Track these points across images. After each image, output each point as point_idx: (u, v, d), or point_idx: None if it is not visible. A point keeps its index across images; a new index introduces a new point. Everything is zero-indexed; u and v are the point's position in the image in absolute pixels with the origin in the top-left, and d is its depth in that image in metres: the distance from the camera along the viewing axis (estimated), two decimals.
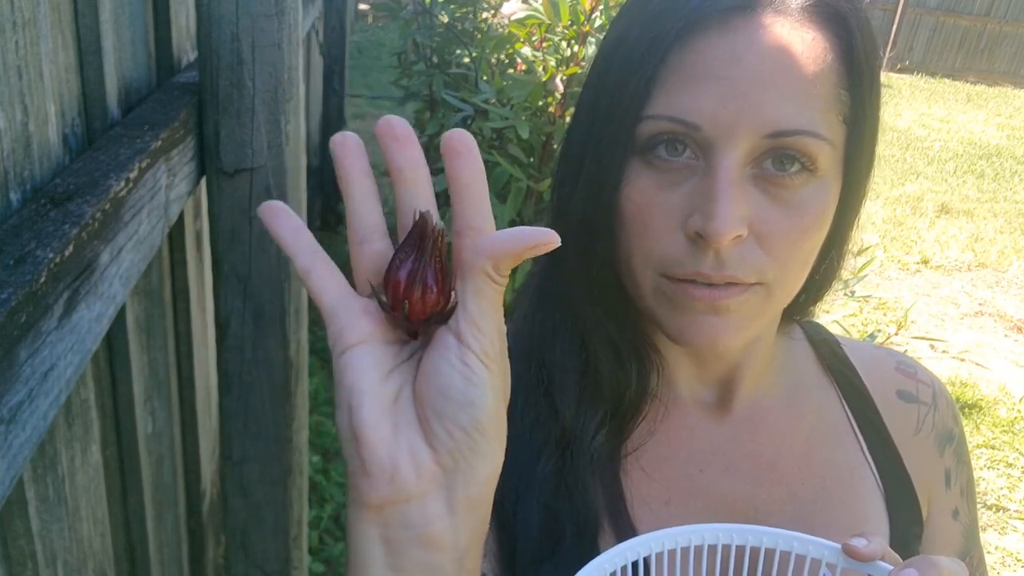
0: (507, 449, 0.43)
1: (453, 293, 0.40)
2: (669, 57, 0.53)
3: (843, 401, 0.70)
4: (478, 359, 0.39)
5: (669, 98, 0.53)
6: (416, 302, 0.39)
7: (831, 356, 0.72)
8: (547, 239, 0.36)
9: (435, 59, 2.87)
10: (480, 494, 0.42)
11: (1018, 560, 2.72)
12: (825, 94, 0.53)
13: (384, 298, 0.40)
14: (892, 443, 0.69)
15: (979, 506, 2.96)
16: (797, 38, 0.53)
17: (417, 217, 0.40)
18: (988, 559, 2.70)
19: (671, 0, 0.54)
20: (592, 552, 0.58)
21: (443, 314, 0.40)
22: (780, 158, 0.53)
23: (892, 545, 0.63)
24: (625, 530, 0.60)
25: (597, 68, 0.59)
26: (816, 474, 0.66)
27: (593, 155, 0.57)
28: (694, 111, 0.52)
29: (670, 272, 0.55)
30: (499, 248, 0.37)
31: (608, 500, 0.61)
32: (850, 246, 0.65)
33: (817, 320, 0.76)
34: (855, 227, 0.63)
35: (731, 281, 0.54)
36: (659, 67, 0.53)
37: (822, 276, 0.65)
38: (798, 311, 0.70)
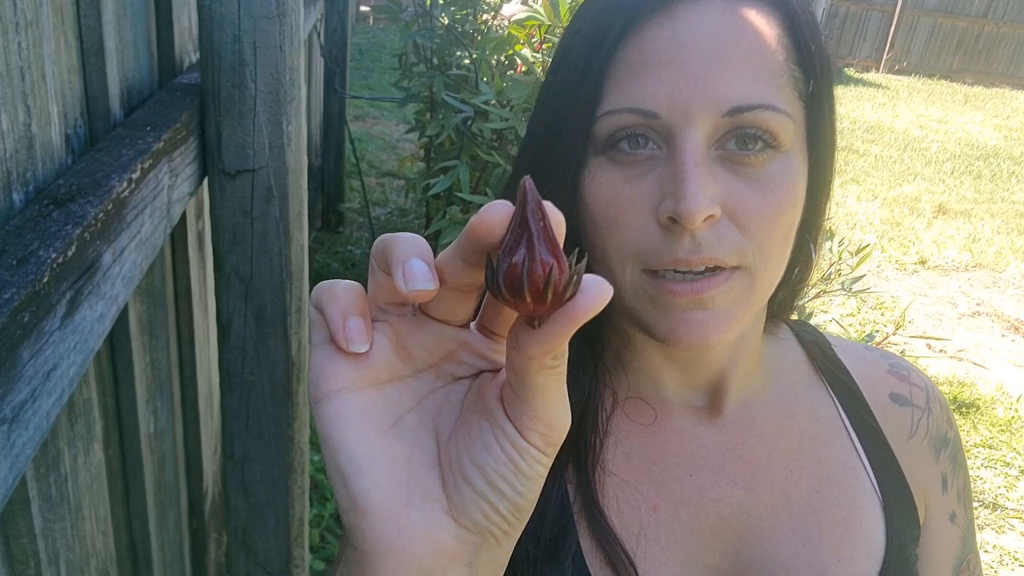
0: None
1: (568, 266, 0.32)
2: (616, 53, 0.54)
3: (836, 402, 0.69)
4: (537, 453, 0.35)
5: (622, 91, 0.53)
6: (540, 284, 0.31)
7: (822, 357, 0.71)
8: (599, 300, 0.30)
9: (435, 60, 2.87)
10: (505, 557, 0.38)
11: (1016, 559, 2.72)
12: (776, 69, 0.54)
13: (503, 287, 0.32)
14: (888, 445, 0.68)
15: (977, 505, 2.96)
16: (740, 17, 0.53)
17: (526, 184, 0.32)
18: (986, 557, 2.70)
19: None
20: (574, 553, 0.57)
21: (568, 294, 0.32)
22: (743, 138, 0.53)
23: (888, 547, 0.63)
24: (604, 535, 0.58)
25: (552, 70, 0.59)
26: (809, 475, 0.65)
27: (552, 157, 0.57)
28: (648, 99, 0.52)
29: (649, 264, 0.54)
30: (549, 339, 0.31)
31: (584, 506, 0.59)
32: (824, 235, 0.64)
33: (813, 319, 0.76)
34: (827, 212, 0.63)
35: (711, 265, 0.53)
36: (607, 65, 0.54)
37: (801, 267, 0.64)
38: (781, 308, 0.69)
